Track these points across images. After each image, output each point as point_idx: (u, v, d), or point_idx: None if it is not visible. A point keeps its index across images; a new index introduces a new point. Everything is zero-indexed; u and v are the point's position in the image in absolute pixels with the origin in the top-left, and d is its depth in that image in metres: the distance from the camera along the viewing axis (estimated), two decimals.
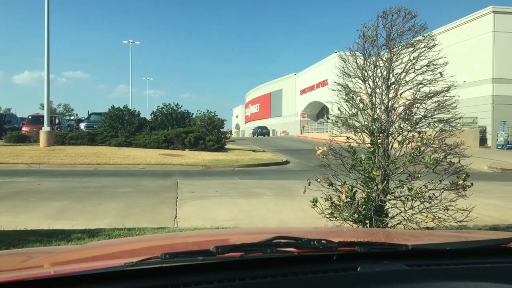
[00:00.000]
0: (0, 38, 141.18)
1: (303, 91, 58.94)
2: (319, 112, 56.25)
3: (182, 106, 27.59)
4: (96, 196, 8.60)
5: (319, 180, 4.57)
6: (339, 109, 4.56)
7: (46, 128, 20.75)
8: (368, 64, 4.39)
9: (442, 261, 1.14)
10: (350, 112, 4.42)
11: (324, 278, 1.02)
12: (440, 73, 4.27)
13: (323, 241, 1.08)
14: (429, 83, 4.24)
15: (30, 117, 28.69)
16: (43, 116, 22.77)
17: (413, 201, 4.35)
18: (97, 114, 29.55)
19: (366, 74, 4.39)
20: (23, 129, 26.01)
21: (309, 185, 4.49)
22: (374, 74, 4.36)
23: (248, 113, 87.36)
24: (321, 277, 1.02)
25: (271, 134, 60.10)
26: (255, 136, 54.23)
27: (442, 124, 4.25)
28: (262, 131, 56.36)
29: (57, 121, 29.20)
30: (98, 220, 6.25)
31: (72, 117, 50.62)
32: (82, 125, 29.13)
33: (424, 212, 4.27)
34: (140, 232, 5.38)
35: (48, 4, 20.17)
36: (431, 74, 4.25)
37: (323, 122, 52.05)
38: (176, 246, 0.99)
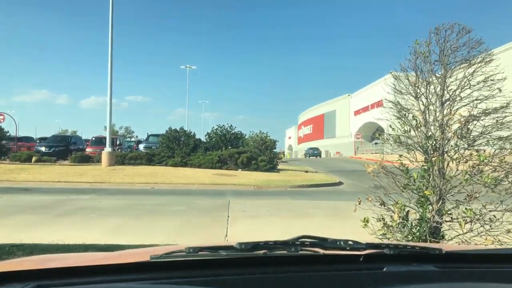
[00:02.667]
0: (70, 65, 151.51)
1: (357, 112, 58.07)
2: (374, 133, 54.94)
3: (235, 127, 28.08)
4: (152, 214, 8.90)
5: (370, 199, 4.46)
6: (390, 126, 4.46)
7: (107, 149, 21.85)
8: (420, 80, 4.29)
9: (476, 265, 1.09)
10: (402, 129, 4.31)
11: (346, 276, 1.00)
12: (499, 89, 4.08)
13: (349, 242, 1.07)
14: (486, 99, 4.06)
15: (93, 138, 30.39)
16: (105, 138, 24.01)
17: (472, 223, 4.13)
18: (155, 135, 30.72)
19: (418, 91, 4.28)
20: (87, 150, 27.51)
21: (359, 203, 4.39)
22: (427, 91, 4.24)
23: (301, 134, 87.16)
24: (343, 274, 1.00)
25: (324, 155, 59.53)
26: (307, 157, 54.07)
27: (502, 141, 4.03)
28: (314, 152, 56.57)
29: (118, 142, 30.67)
30: (152, 237, 6.45)
31: (132, 139, 52.87)
32: (141, 146, 30.37)
33: (484, 235, 4.04)
34: None
35: (112, 37, 21.54)
36: (488, 90, 4.07)
37: (378, 143, 50.80)
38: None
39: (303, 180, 18.47)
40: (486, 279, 0.99)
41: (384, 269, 1.03)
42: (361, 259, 1.06)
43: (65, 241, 5.70)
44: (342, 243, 1.06)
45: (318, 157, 53.48)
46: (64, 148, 26.97)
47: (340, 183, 18.29)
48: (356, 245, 1.06)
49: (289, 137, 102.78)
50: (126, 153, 25.32)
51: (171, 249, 1.06)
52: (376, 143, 52.31)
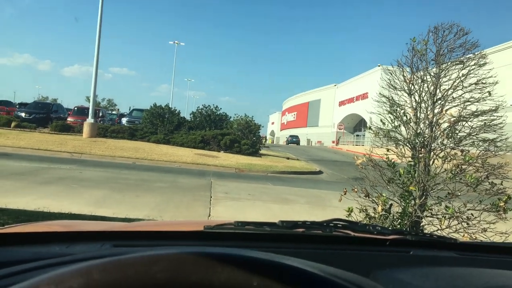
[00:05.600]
0: (56, 31, 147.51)
1: (341, 103, 58.47)
2: (357, 125, 55.60)
3: (221, 108, 28.03)
4: (135, 188, 8.89)
5: (355, 190, 4.57)
6: (381, 120, 4.55)
7: (90, 120, 21.56)
8: (415, 78, 4.38)
9: (490, 255, 1.19)
10: (393, 124, 4.42)
11: (380, 256, 1.09)
12: (489, 92, 4.20)
13: (377, 227, 1.15)
14: (477, 102, 4.18)
15: (76, 108, 29.92)
16: (88, 108, 23.68)
17: (451, 220, 4.29)
18: (139, 110, 30.41)
19: (412, 87, 4.38)
20: (68, 119, 27.07)
21: (345, 193, 4.51)
22: (421, 89, 4.34)
23: (284, 121, 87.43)
24: (377, 254, 1.09)
25: (305, 144, 60.23)
26: (287, 144, 54.86)
27: (487, 143, 4.17)
28: (293, 140, 59.05)
29: (100, 114, 30.24)
30: (137, 211, 6.48)
31: (114, 112, 52.17)
32: (124, 120, 30.06)
33: (461, 232, 4.20)
34: None
35: (102, 5, 21.03)
36: (479, 93, 4.19)
37: (360, 135, 51.45)
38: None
39: (285, 167, 18.62)
40: (506, 268, 1.08)
41: (411, 253, 1.12)
42: (387, 243, 1.15)
43: (50, 209, 5.69)
44: (370, 227, 1.16)
45: (297, 144, 54.30)
46: (45, 115, 26.49)
47: (320, 172, 18.53)
48: (383, 230, 1.16)
49: (272, 123, 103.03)
50: (109, 125, 25.03)
51: (220, 222, 1.13)
52: (357, 135, 52.97)
